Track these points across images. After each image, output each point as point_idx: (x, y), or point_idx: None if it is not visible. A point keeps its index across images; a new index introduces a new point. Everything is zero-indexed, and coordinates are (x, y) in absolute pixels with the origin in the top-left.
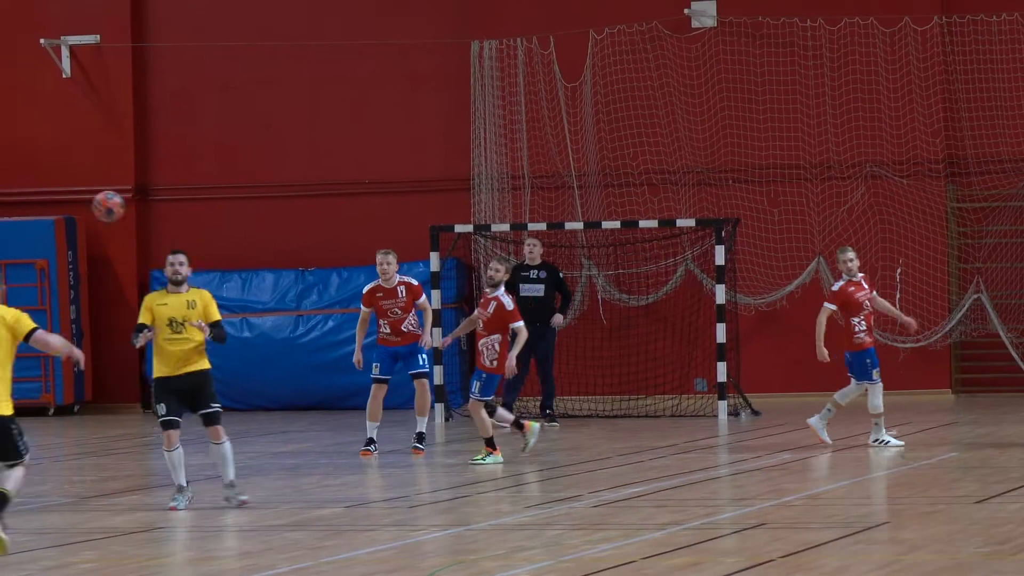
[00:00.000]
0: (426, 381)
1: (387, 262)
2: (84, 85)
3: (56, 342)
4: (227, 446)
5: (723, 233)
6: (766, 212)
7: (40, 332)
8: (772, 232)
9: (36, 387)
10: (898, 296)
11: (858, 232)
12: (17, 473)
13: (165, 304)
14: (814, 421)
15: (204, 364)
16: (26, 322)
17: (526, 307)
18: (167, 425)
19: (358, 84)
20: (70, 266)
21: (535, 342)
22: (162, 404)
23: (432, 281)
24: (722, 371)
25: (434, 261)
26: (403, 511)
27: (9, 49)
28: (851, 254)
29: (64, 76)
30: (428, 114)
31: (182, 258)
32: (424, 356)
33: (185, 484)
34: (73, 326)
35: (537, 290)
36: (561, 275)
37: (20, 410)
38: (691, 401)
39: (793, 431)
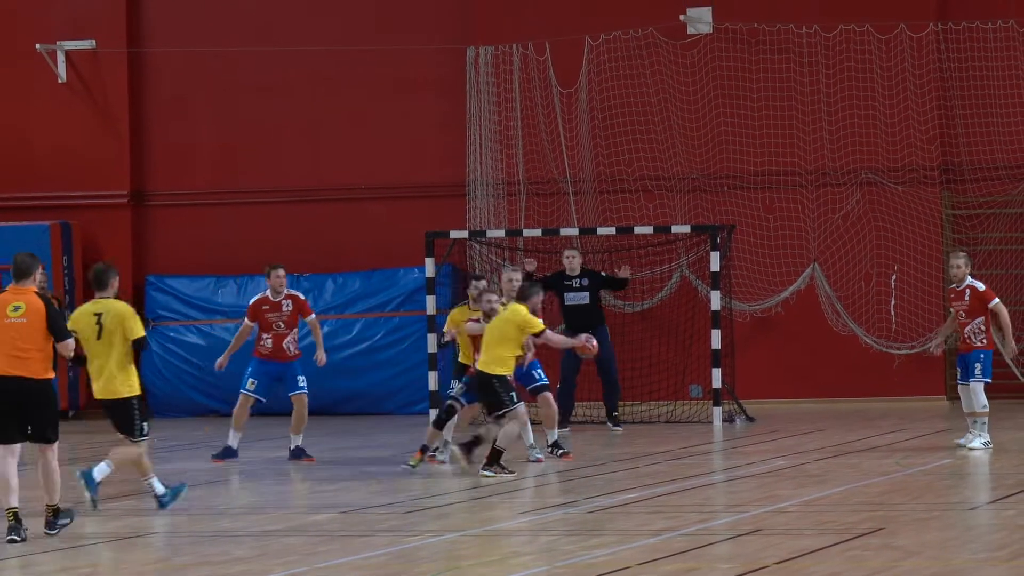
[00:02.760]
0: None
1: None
2: (80, 90)
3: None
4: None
5: (718, 239)
6: (761, 219)
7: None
8: (767, 239)
9: None
10: (893, 303)
11: (853, 239)
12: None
13: None
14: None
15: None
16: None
17: (573, 315)
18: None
19: (354, 90)
20: (65, 271)
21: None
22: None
23: (427, 287)
24: (717, 377)
25: (429, 267)
26: (398, 517)
27: (5, 54)
28: (956, 259)
29: (60, 81)
30: (424, 120)
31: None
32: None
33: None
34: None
35: (582, 298)
36: (604, 274)
37: None
38: (686, 407)
39: (787, 437)
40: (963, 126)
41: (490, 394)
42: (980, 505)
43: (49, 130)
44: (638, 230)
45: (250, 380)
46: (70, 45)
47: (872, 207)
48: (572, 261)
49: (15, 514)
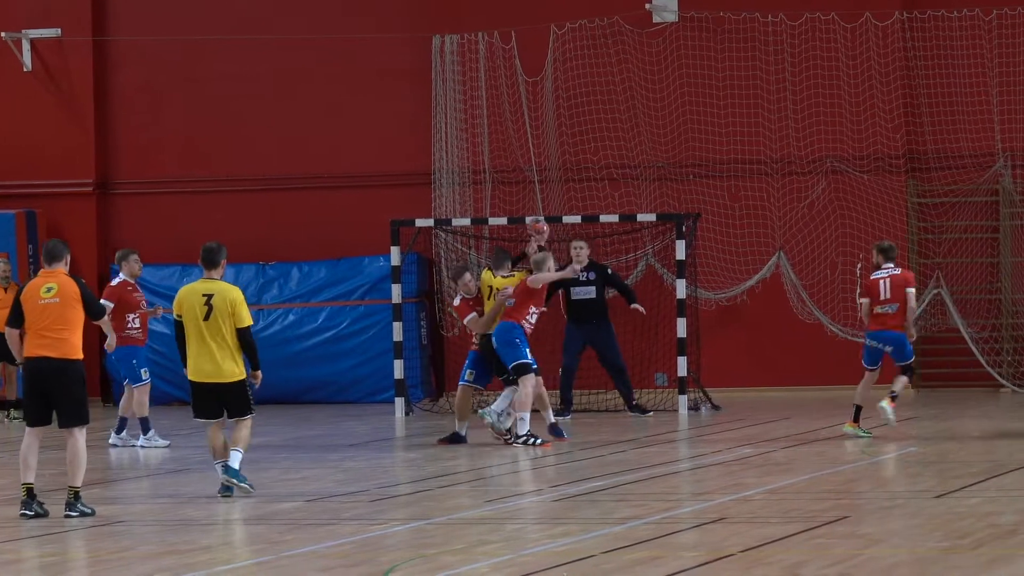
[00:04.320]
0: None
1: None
2: (45, 79)
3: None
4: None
5: (684, 228)
6: (727, 207)
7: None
8: (733, 227)
9: None
10: (859, 291)
11: (819, 227)
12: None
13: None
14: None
15: None
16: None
17: (579, 310)
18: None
19: (319, 78)
20: (30, 259)
21: (592, 339)
22: None
23: (393, 275)
24: (682, 366)
25: (395, 255)
26: (363, 505)
27: None
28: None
29: (25, 70)
30: (389, 109)
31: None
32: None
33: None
34: None
35: (588, 292)
36: (610, 271)
37: None
38: (651, 395)
39: (753, 425)
40: (928, 114)
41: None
42: (945, 493)
43: (14, 119)
44: (604, 218)
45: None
46: (35, 33)
47: (837, 195)
48: (580, 252)
49: (29, 490)
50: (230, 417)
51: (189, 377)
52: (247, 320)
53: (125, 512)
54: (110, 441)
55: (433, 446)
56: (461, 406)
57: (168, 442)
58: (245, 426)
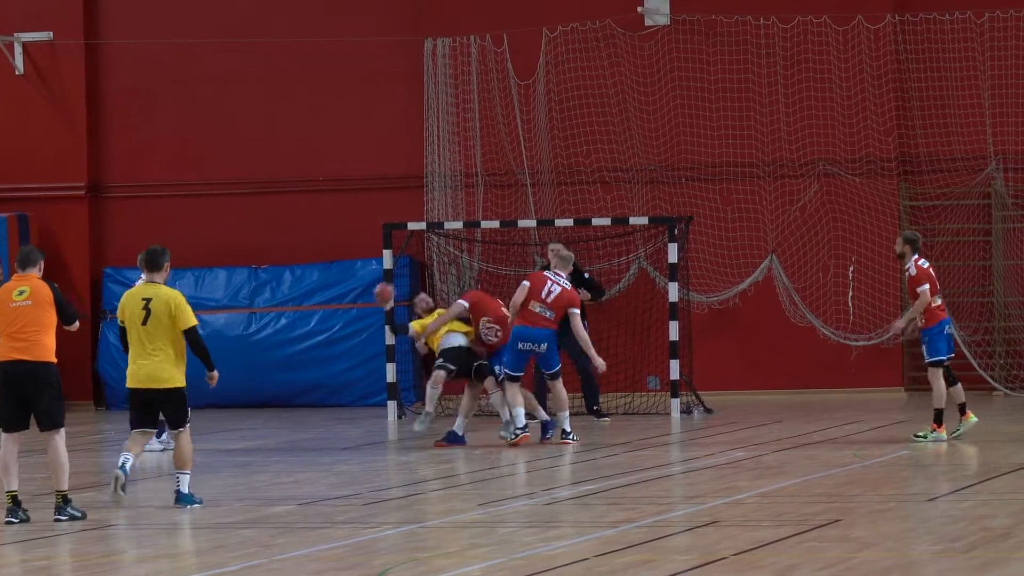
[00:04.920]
0: None
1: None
2: (37, 82)
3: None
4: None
5: (676, 231)
6: (719, 210)
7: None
8: (725, 230)
9: None
10: (851, 294)
11: (811, 230)
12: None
13: None
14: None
15: None
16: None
17: None
18: None
19: (312, 81)
20: None
21: (561, 338)
22: None
23: (385, 278)
24: (675, 369)
25: (387, 258)
26: (356, 508)
27: None
28: None
29: (17, 73)
30: (382, 112)
31: None
32: None
33: None
34: None
35: None
36: (586, 274)
37: None
38: (644, 399)
39: (745, 429)
40: (920, 117)
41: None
42: (937, 496)
43: (6, 122)
44: (596, 221)
45: None
46: (27, 37)
47: (830, 198)
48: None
49: (14, 497)
50: (170, 428)
51: (127, 384)
52: (191, 321)
53: (116, 516)
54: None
55: (426, 449)
56: (467, 405)
57: (162, 446)
58: (185, 443)
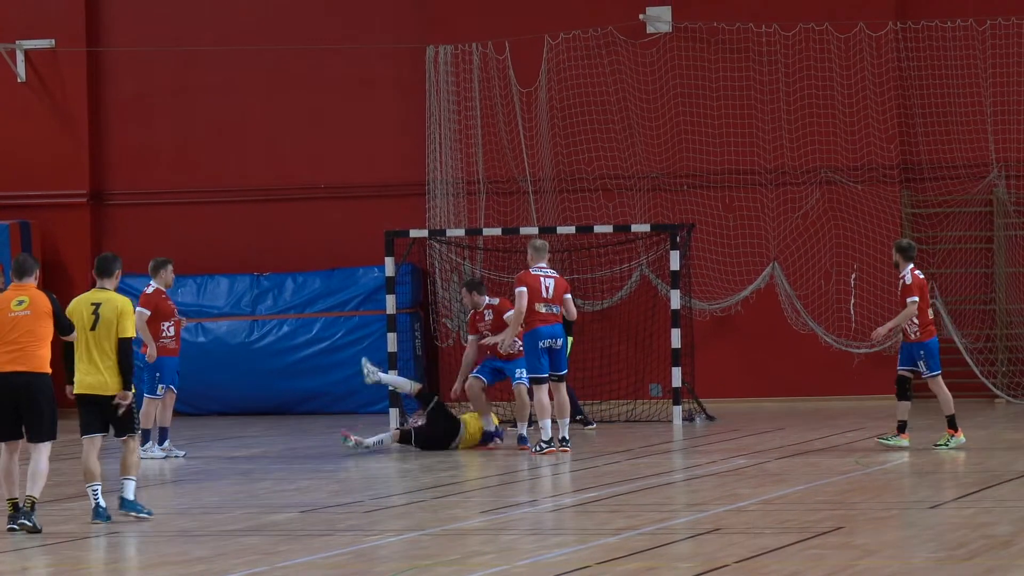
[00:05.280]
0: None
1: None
2: (39, 89)
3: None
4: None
5: (678, 238)
6: (721, 217)
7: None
8: (727, 238)
9: None
10: (852, 301)
11: (813, 238)
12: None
13: None
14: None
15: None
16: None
17: None
18: None
19: (314, 89)
20: None
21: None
22: None
23: (387, 286)
24: (677, 376)
25: (389, 266)
26: (358, 516)
27: None
28: None
29: (19, 80)
30: (384, 119)
31: None
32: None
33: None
34: None
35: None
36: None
37: None
38: (646, 406)
39: (747, 436)
40: (922, 125)
41: None
42: (940, 504)
43: (8, 129)
44: (598, 229)
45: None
46: (29, 44)
47: (831, 206)
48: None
49: (15, 504)
50: (116, 435)
51: (75, 391)
52: (130, 331)
53: (118, 523)
54: (152, 454)
55: (427, 456)
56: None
57: (164, 453)
58: (133, 451)
